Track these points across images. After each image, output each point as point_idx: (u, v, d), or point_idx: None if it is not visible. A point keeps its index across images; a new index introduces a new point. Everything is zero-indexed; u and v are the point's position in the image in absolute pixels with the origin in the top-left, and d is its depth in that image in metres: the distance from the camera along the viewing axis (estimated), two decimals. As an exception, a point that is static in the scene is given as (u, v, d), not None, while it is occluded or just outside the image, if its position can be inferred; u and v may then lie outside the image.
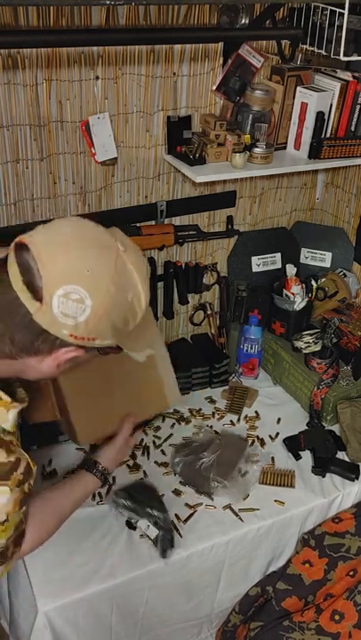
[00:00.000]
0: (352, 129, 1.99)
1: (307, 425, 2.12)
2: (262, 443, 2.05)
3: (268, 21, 1.85)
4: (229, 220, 2.29)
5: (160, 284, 2.22)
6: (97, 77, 1.79)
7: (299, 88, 1.93)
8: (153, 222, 2.12)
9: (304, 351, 2.17)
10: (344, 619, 1.74)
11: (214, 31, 1.87)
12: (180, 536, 1.72)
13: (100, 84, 1.80)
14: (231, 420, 2.13)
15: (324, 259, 2.49)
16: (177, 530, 1.72)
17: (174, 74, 1.90)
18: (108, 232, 1.10)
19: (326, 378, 2.09)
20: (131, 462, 1.93)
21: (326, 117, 1.93)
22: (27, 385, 1.24)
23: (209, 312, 2.37)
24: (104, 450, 1.53)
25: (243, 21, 1.83)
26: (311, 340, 2.16)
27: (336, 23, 1.69)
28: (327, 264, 2.48)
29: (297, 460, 1.98)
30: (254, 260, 2.40)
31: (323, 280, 2.37)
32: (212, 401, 2.22)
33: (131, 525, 1.72)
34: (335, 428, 2.10)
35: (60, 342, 1.06)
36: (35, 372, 1.13)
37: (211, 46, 1.92)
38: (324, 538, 1.87)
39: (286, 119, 1.99)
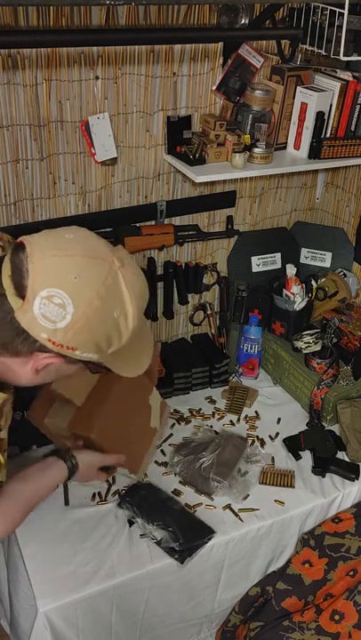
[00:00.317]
0: (352, 129, 1.99)
1: (307, 425, 2.12)
2: (262, 443, 2.05)
3: (267, 21, 1.85)
4: (229, 219, 2.29)
5: (160, 284, 2.22)
6: (97, 77, 1.79)
7: (299, 88, 1.93)
8: (153, 222, 2.12)
9: (304, 351, 2.17)
10: (344, 619, 1.74)
11: (214, 31, 1.87)
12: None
13: (99, 84, 1.80)
14: (231, 420, 2.13)
15: (324, 259, 2.49)
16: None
17: (174, 74, 1.90)
18: (108, 246, 1.10)
19: (326, 378, 2.09)
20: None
21: (326, 117, 1.93)
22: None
23: (209, 312, 2.37)
24: (83, 452, 1.48)
25: (243, 21, 1.83)
26: (311, 340, 2.16)
27: (336, 23, 1.69)
28: (327, 264, 2.48)
29: (297, 460, 1.98)
30: (254, 260, 2.40)
31: (323, 280, 2.37)
32: (212, 401, 2.22)
33: (132, 523, 1.73)
34: (335, 428, 2.10)
35: (39, 346, 1.05)
36: (15, 375, 1.13)
37: (211, 46, 1.92)
38: (324, 538, 1.87)
39: (286, 119, 1.99)
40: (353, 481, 1.93)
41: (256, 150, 1.90)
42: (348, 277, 2.39)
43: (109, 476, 1.65)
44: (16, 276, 1.03)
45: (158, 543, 1.68)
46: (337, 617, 1.74)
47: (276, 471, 1.93)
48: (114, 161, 1.94)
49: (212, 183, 2.19)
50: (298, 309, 2.24)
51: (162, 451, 1.98)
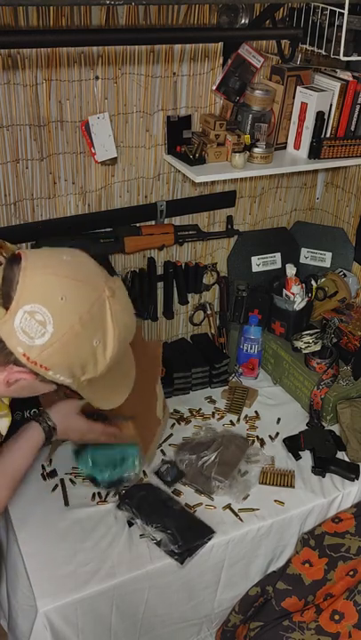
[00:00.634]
0: (352, 129, 1.99)
1: (307, 425, 2.12)
2: (262, 443, 2.04)
3: (267, 21, 1.85)
4: (229, 219, 2.29)
5: (160, 284, 2.22)
6: (97, 77, 1.79)
7: (299, 88, 1.93)
8: (153, 222, 2.12)
9: (304, 351, 2.17)
10: (344, 619, 1.74)
11: (214, 31, 1.87)
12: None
13: (99, 84, 1.80)
14: (231, 420, 2.13)
15: (324, 259, 2.49)
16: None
17: (174, 74, 1.90)
18: (103, 275, 1.10)
19: (326, 378, 2.09)
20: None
21: (326, 117, 1.93)
22: None
23: (209, 312, 2.37)
24: (57, 404, 1.47)
25: (243, 21, 1.83)
26: (311, 340, 2.16)
27: (336, 23, 1.69)
28: (327, 264, 2.49)
29: (297, 460, 1.98)
30: (254, 259, 2.40)
31: (323, 280, 2.37)
32: (212, 401, 2.22)
33: (131, 524, 1.73)
34: (335, 428, 2.10)
35: (14, 359, 1.06)
36: None
37: (211, 46, 1.92)
38: (324, 538, 1.87)
39: (286, 119, 1.99)
40: (353, 481, 1.93)
41: (256, 150, 1.90)
42: (348, 277, 2.39)
43: (110, 429, 1.56)
44: (5, 286, 1.04)
45: (158, 544, 1.68)
46: (337, 617, 1.74)
47: (276, 471, 1.93)
48: (114, 161, 1.94)
49: (212, 183, 2.19)
50: (298, 309, 2.24)
51: (162, 450, 1.98)
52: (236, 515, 1.79)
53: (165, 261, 2.20)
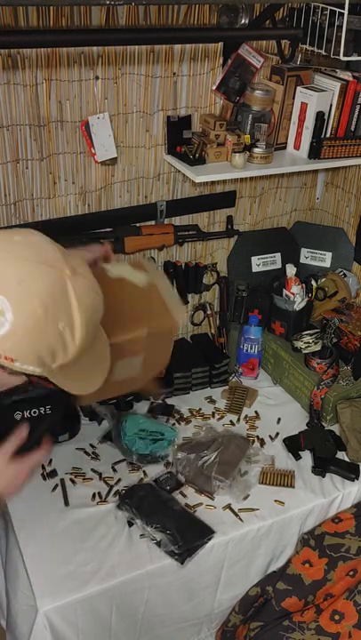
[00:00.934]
0: (352, 129, 1.99)
1: (307, 425, 2.12)
2: (262, 443, 2.04)
3: (267, 21, 1.85)
4: (229, 220, 2.29)
5: (160, 284, 2.22)
6: (97, 77, 1.79)
7: (299, 88, 1.93)
8: (153, 222, 2.12)
9: (304, 351, 2.17)
10: (344, 619, 1.74)
11: (214, 31, 1.87)
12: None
13: (99, 83, 1.80)
14: (231, 420, 2.13)
15: (324, 259, 2.49)
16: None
17: (174, 74, 1.90)
18: (62, 253, 1.03)
19: (326, 378, 2.09)
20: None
21: (326, 117, 1.93)
22: None
23: (209, 312, 2.37)
24: None
25: (243, 21, 1.83)
26: (311, 340, 2.16)
27: (336, 23, 1.69)
28: (327, 264, 2.49)
29: (297, 460, 1.98)
30: (254, 260, 2.40)
31: (323, 280, 2.37)
32: (212, 401, 2.22)
33: (132, 524, 1.73)
34: (335, 428, 2.10)
35: None
36: None
37: (211, 46, 1.92)
38: (324, 538, 1.87)
39: (286, 119, 1.99)
40: (353, 481, 1.93)
41: (256, 150, 1.90)
42: (348, 277, 2.39)
43: (34, 462, 1.27)
44: None
45: (158, 544, 1.68)
46: (337, 617, 1.74)
47: (276, 471, 1.93)
48: (114, 161, 1.94)
49: (212, 183, 2.19)
50: (298, 309, 2.24)
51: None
52: (236, 515, 1.79)
53: (165, 261, 2.20)
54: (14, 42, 1.57)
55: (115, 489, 1.83)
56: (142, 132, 1.95)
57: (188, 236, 2.18)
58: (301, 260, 2.49)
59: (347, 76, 1.92)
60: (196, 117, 2.00)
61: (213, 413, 2.16)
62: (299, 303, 2.23)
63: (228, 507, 1.81)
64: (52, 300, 0.98)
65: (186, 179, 2.10)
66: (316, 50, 1.82)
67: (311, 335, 2.17)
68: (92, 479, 1.86)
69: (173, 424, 2.08)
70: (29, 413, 1.87)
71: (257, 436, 2.06)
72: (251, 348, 2.28)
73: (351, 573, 1.81)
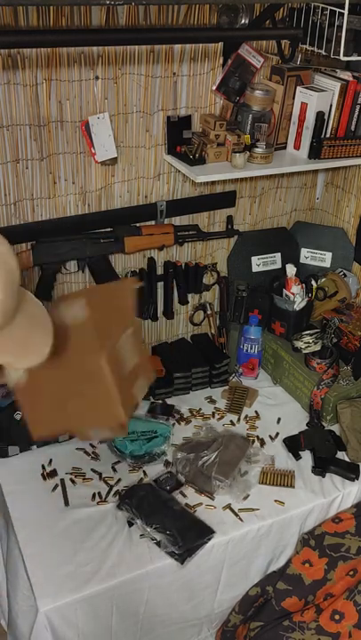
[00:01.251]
0: (352, 129, 2.00)
1: (307, 425, 2.12)
2: (262, 443, 2.04)
3: (267, 21, 1.85)
4: (229, 220, 2.29)
5: (160, 284, 2.22)
6: (97, 77, 1.79)
7: (299, 88, 1.93)
8: (153, 222, 2.12)
9: (304, 351, 2.17)
10: (344, 618, 1.74)
11: (214, 31, 1.87)
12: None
13: (99, 83, 1.80)
14: (231, 420, 2.13)
15: (324, 259, 2.49)
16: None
17: (174, 74, 1.90)
18: None
19: (326, 378, 2.09)
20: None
21: (326, 117, 1.93)
22: None
23: (209, 312, 2.37)
24: None
25: (243, 21, 1.83)
26: (311, 340, 2.16)
27: (336, 23, 1.69)
28: (327, 264, 2.48)
29: (297, 460, 1.98)
30: (254, 260, 2.40)
31: (323, 280, 2.37)
32: (212, 401, 2.22)
33: (132, 524, 1.73)
34: (335, 428, 2.10)
35: None
36: None
37: (211, 46, 1.92)
38: (324, 538, 1.87)
39: (286, 119, 1.99)
40: (353, 481, 1.92)
41: (256, 150, 1.90)
42: (348, 277, 2.39)
43: None
44: None
45: (158, 544, 1.68)
46: (337, 617, 1.74)
47: (276, 471, 1.93)
48: (114, 161, 1.94)
49: (212, 183, 2.19)
50: (298, 309, 2.24)
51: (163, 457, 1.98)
52: (237, 515, 1.79)
53: (165, 261, 2.20)
54: (14, 42, 1.57)
55: (115, 489, 1.83)
56: (142, 132, 1.95)
57: (188, 236, 2.18)
58: (301, 260, 2.49)
59: (347, 76, 1.93)
60: (196, 117, 2.00)
61: (213, 413, 2.16)
62: (299, 303, 2.23)
63: (228, 507, 1.81)
64: None
65: (186, 179, 2.10)
66: (316, 50, 1.82)
67: (311, 335, 2.17)
68: (91, 479, 1.86)
69: (173, 424, 2.08)
70: (29, 413, 1.87)
71: (257, 436, 2.07)
72: (251, 348, 2.28)
73: (351, 573, 1.81)
